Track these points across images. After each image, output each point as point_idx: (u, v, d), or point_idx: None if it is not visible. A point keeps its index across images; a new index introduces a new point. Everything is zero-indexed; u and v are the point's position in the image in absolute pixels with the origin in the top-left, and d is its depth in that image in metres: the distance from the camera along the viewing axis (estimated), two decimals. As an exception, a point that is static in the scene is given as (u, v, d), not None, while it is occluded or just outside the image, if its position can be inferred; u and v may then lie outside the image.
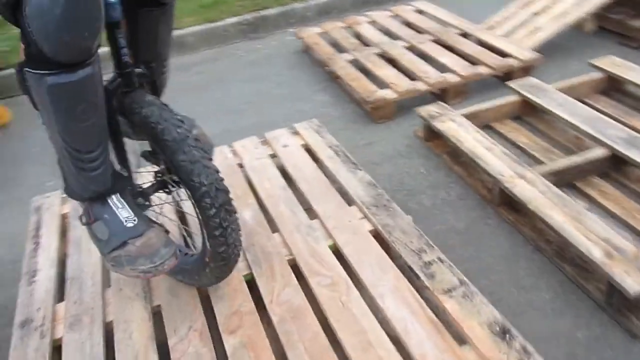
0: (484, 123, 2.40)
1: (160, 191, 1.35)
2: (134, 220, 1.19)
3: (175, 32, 3.67)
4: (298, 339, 1.23)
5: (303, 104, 2.91)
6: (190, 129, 1.22)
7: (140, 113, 1.19)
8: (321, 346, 1.21)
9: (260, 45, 3.76)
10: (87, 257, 1.55)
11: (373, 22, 3.46)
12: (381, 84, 2.71)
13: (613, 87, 2.48)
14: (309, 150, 1.97)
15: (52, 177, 2.30)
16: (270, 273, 1.43)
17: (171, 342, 1.28)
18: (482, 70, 2.70)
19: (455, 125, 2.21)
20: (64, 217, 1.77)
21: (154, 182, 1.34)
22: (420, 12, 3.51)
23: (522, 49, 2.78)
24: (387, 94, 2.59)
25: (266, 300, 1.35)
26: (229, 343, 1.25)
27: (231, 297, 1.38)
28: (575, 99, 2.28)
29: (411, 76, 2.73)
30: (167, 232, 1.24)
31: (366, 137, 2.53)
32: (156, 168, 1.34)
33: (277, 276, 1.42)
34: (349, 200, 1.69)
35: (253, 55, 3.63)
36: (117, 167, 1.26)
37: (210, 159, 1.19)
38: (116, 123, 1.23)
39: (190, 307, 1.36)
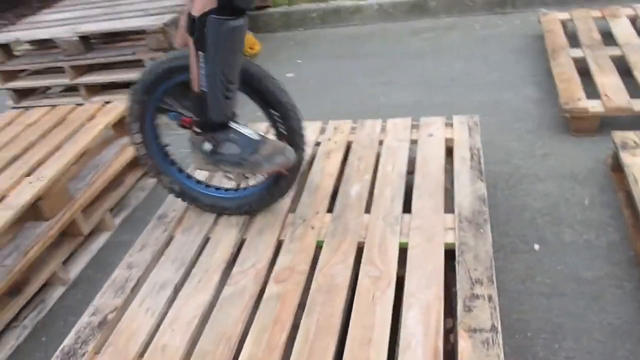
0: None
1: None
2: (256, 134, 1.54)
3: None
4: (318, 310, 1.35)
5: (506, 93, 2.73)
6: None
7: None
8: (330, 325, 1.30)
9: (500, 22, 3.56)
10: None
11: (636, 17, 2.93)
12: (594, 92, 2.36)
13: None
14: (449, 145, 1.93)
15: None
16: (336, 247, 1.55)
17: (234, 271, 1.53)
18: None
19: (644, 163, 1.85)
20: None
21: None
22: None
23: None
24: (592, 105, 2.26)
25: (317, 268, 1.48)
26: (269, 289, 1.44)
27: (296, 254, 1.55)
28: None
29: (635, 92, 2.30)
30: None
31: (549, 147, 2.29)
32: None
33: (339, 251, 1.53)
34: (449, 207, 1.64)
35: (487, 31, 3.47)
36: None
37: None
38: None
39: (263, 249, 1.59)
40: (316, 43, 3.81)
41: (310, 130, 2.15)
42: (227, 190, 1.77)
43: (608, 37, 2.78)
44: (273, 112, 1.56)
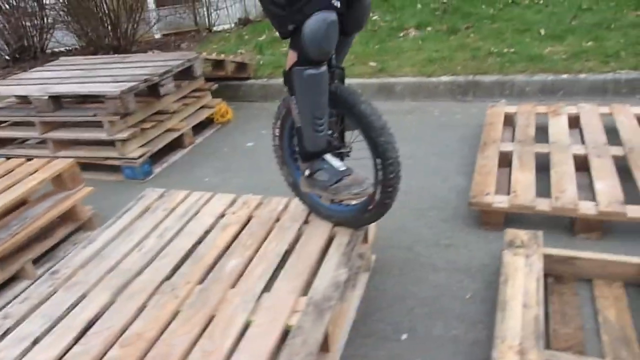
0: (585, 277, 1.95)
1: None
2: (344, 166, 1.84)
3: (388, 80, 3.97)
4: None
5: (435, 180, 2.82)
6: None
7: (356, 106, 1.76)
8: None
9: (458, 110, 3.69)
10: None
11: (575, 116, 3.01)
12: (505, 188, 2.43)
13: None
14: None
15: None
16: (190, 317, 1.63)
17: (91, 330, 1.63)
18: (636, 213, 2.14)
19: (523, 264, 1.88)
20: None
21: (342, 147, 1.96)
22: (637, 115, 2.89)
23: None
24: (498, 201, 2.32)
25: (163, 337, 1.57)
26: (111, 353, 1.53)
27: (151, 320, 1.64)
28: None
29: (546, 191, 2.36)
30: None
31: (456, 237, 2.34)
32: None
33: (190, 322, 1.61)
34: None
35: (444, 118, 3.60)
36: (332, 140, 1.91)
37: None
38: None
39: (126, 313, 1.69)
40: (286, 115, 4.00)
41: (220, 204, 2.28)
42: None
43: (542, 134, 2.87)
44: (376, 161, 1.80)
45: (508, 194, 2.37)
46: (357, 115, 1.76)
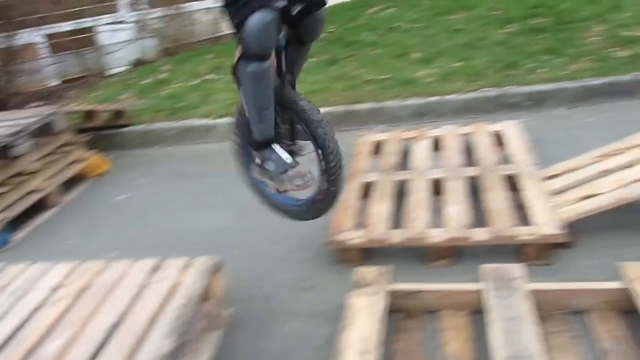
0: (432, 309, 1.93)
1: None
2: (290, 159, 1.95)
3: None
4: None
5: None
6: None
7: (290, 103, 1.90)
8: None
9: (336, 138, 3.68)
10: None
11: (436, 139, 3.07)
12: (362, 223, 2.41)
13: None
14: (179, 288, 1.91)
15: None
16: None
17: None
18: (483, 236, 2.16)
19: (366, 305, 1.84)
20: None
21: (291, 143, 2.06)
22: (498, 135, 2.98)
23: (549, 220, 2.13)
24: (353, 237, 2.30)
25: None
26: None
27: None
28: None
29: (400, 221, 2.36)
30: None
31: (317, 278, 2.28)
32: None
33: None
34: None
35: (322, 150, 3.58)
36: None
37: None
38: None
39: None
40: (166, 162, 3.87)
41: (58, 274, 2.11)
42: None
43: (406, 160, 2.90)
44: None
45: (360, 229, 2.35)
46: (297, 110, 1.90)
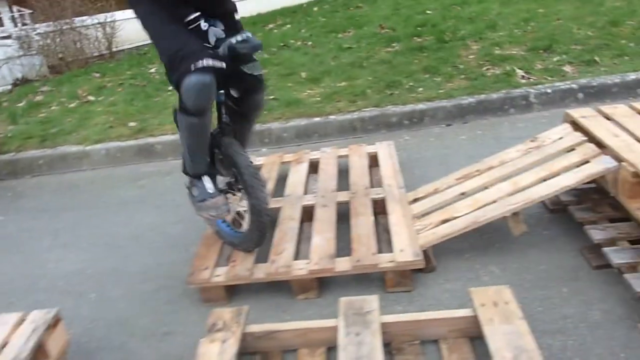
0: (290, 349, 1.86)
1: (231, 191, 2.33)
2: (212, 190, 2.18)
3: (147, 140, 3.75)
4: None
5: (172, 254, 2.60)
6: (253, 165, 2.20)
7: (227, 150, 2.17)
8: None
9: (218, 164, 3.58)
10: None
11: (313, 162, 3.04)
12: (229, 257, 2.31)
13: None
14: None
15: None
16: None
17: None
18: (345, 266, 2.13)
19: (217, 352, 1.73)
20: None
21: (229, 187, 2.34)
22: (374, 156, 3.00)
23: (408, 246, 2.14)
24: (215, 274, 2.19)
25: None
26: None
27: None
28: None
29: (268, 254, 2.28)
30: (227, 200, 2.25)
31: (175, 324, 2.14)
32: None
33: None
34: None
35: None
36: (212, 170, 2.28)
37: (264, 187, 2.20)
38: (213, 151, 2.26)
39: None
40: (34, 194, 3.57)
41: None
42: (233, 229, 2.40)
43: (280, 186, 2.84)
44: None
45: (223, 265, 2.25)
46: (231, 158, 2.14)
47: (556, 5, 5.35)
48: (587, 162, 2.11)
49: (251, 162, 2.16)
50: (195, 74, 1.86)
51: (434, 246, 2.20)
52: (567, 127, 2.38)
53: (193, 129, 2.05)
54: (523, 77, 3.87)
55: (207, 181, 2.19)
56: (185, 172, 2.28)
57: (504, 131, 3.44)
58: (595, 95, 3.61)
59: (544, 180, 2.15)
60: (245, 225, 2.30)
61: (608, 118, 2.35)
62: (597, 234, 2.07)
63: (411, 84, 3.96)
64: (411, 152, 3.31)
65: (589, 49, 4.16)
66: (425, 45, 4.66)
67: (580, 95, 3.62)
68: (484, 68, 4.10)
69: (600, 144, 2.18)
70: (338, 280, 2.20)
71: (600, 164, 2.03)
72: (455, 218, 2.22)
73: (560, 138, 2.34)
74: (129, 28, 7.40)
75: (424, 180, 2.69)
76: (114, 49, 7.85)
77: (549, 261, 2.16)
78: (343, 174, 2.89)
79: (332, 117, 3.69)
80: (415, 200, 2.49)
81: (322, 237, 2.30)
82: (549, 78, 3.80)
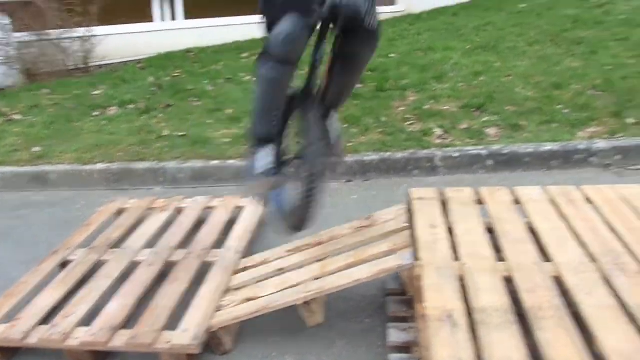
0: None
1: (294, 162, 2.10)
2: (263, 169, 1.99)
3: (44, 168, 3.66)
4: None
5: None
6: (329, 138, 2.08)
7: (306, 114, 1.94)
8: None
9: (104, 200, 3.45)
10: None
11: (178, 212, 2.89)
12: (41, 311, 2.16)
13: None
14: None
15: None
16: None
17: None
18: (120, 341, 1.94)
19: None
20: None
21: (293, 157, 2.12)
22: (239, 208, 2.84)
23: (196, 325, 1.95)
24: (-8, 333, 2.04)
25: None
26: None
27: None
28: None
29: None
30: (282, 181, 2.08)
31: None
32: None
33: None
34: None
35: (78, 213, 3.30)
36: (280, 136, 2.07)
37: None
38: (289, 111, 2.03)
39: None
40: None
41: None
42: None
43: (130, 236, 2.69)
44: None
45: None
46: (307, 128, 1.91)
47: (515, 60, 5.13)
48: (393, 253, 1.91)
49: (328, 136, 2.02)
50: (292, 17, 1.72)
51: (243, 324, 2.02)
52: (402, 208, 2.18)
53: (273, 80, 1.84)
54: (440, 137, 3.67)
55: (266, 153, 1.99)
56: (250, 135, 2.05)
57: (400, 194, 3.21)
58: (506, 164, 3.38)
59: (350, 267, 1.95)
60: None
61: (444, 203, 2.14)
62: (394, 335, 1.85)
63: (325, 133, 3.78)
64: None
65: (521, 111, 3.94)
66: (362, 93, 4.49)
67: (490, 162, 3.39)
68: (407, 123, 3.91)
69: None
70: (122, 355, 2.02)
71: (398, 259, 1.83)
72: (258, 298, 2.03)
73: (391, 220, 2.14)
74: (108, 43, 7.44)
75: (283, 243, 2.51)
76: (90, 64, 7.89)
77: (351, 357, 1.95)
78: (200, 228, 2.73)
79: (231, 161, 3.54)
80: (244, 269, 2.31)
81: (121, 302, 2.13)
82: (466, 140, 3.59)
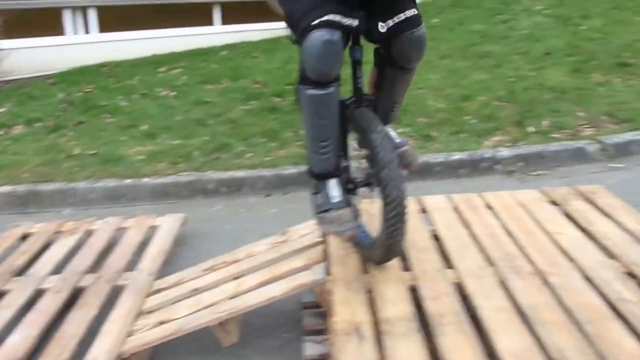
0: None
1: (365, 187, 1.91)
2: (339, 198, 1.79)
3: None
4: None
5: None
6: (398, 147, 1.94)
7: (361, 125, 1.74)
8: None
9: (7, 225, 3.24)
10: None
11: (89, 234, 2.78)
12: None
13: None
14: None
15: None
16: None
17: None
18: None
19: None
20: None
21: (363, 179, 1.92)
22: (154, 227, 2.77)
23: (107, 352, 1.88)
24: None
25: None
26: None
27: None
28: None
29: None
30: (357, 213, 1.81)
31: None
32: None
33: None
34: None
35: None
36: (342, 163, 1.88)
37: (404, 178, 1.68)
38: (346, 128, 1.85)
39: None
40: None
41: None
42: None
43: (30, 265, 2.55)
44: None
45: None
46: (367, 143, 1.71)
47: (428, 73, 5.36)
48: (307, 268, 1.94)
49: (394, 145, 1.85)
50: (318, 30, 1.56)
51: (157, 348, 1.97)
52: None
53: (316, 104, 1.67)
54: (355, 149, 3.76)
55: (333, 187, 1.81)
56: (310, 172, 1.86)
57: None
58: (418, 173, 3.51)
59: (265, 284, 1.96)
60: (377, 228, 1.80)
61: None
62: (310, 348, 1.88)
63: (242, 148, 3.79)
64: (213, 224, 3.10)
65: (433, 122, 4.13)
66: (281, 106, 4.53)
67: (403, 172, 3.52)
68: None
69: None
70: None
71: (312, 275, 1.86)
72: (171, 320, 1.99)
73: (307, 234, 2.18)
74: (16, 58, 7.03)
75: (200, 262, 2.47)
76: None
77: (266, 374, 1.96)
78: (112, 250, 2.64)
79: (145, 179, 3.45)
80: (158, 291, 2.25)
81: (24, 333, 2.02)
82: (381, 152, 3.71)
